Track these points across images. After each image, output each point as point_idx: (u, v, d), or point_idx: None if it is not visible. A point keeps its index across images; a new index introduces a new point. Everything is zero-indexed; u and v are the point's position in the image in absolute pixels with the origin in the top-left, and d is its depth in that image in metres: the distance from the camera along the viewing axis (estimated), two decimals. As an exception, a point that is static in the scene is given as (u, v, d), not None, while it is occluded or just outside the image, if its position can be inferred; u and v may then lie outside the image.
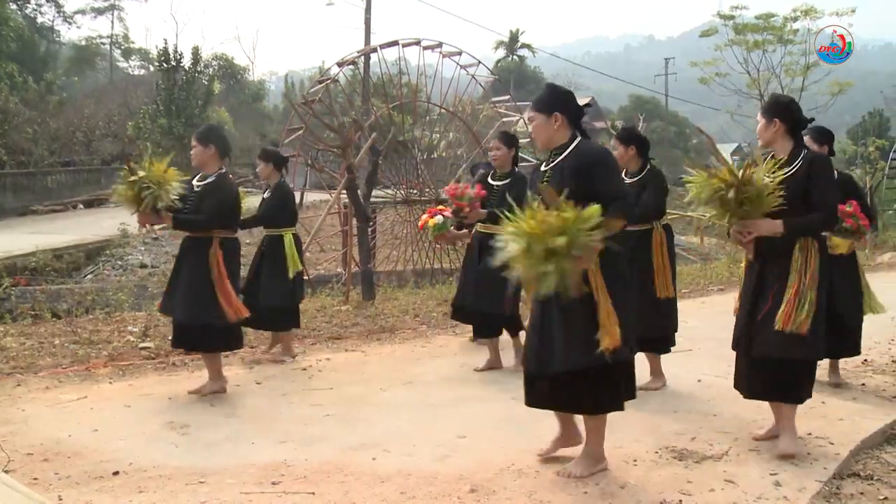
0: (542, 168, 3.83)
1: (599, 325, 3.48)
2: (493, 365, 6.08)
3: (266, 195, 6.65)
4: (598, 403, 3.66)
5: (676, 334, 5.53)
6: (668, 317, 5.40)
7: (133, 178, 5.01)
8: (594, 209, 3.31)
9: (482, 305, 5.91)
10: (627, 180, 5.26)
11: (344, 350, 7.06)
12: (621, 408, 3.71)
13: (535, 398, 3.83)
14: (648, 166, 5.41)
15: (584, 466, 3.71)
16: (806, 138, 4.93)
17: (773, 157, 4.08)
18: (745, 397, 4.24)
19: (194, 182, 5.31)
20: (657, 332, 5.25)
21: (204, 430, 4.50)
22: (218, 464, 3.91)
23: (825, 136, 5.36)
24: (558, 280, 3.26)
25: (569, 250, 3.23)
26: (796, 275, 3.92)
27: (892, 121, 45.91)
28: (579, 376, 3.56)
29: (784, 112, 4.14)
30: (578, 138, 3.77)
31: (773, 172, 3.88)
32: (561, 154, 3.74)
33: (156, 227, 5.15)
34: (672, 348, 5.50)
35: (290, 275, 6.39)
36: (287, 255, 6.38)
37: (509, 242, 3.32)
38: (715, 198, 3.88)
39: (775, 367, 3.99)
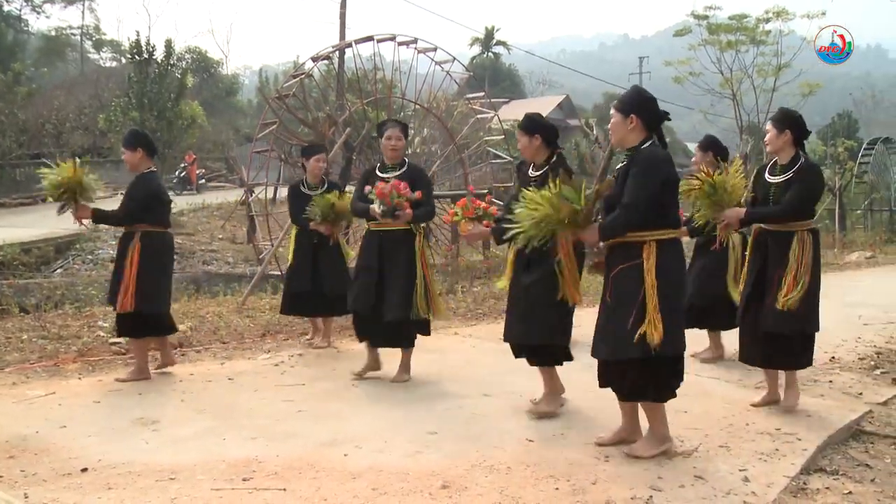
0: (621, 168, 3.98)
1: (645, 321, 3.71)
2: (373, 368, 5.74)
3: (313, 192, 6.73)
4: (641, 392, 3.92)
5: None
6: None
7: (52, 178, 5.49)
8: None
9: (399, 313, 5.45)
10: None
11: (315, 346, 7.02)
12: (669, 398, 3.95)
13: (603, 381, 4.07)
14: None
15: (647, 447, 3.92)
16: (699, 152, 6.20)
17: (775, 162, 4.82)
18: (756, 366, 5.04)
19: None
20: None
21: (174, 426, 4.46)
22: (188, 460, 3.87)
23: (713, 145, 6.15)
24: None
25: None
26: (794, 262, 4.62)
27: (861, 122, 46.61)
28: (632, 366, 3.82)
29: (794, 124, 4.78)
30: (647, 143, 3.88)
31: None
32: (629, 157, 3.89)
33: (84, 220, 5.64)
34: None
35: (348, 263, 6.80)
36: (342, 245, 6.89)
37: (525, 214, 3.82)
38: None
39: (778, 340, 4.71)
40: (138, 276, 5.47)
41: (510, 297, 4.77)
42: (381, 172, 5.56)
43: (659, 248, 3.77)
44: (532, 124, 4.69)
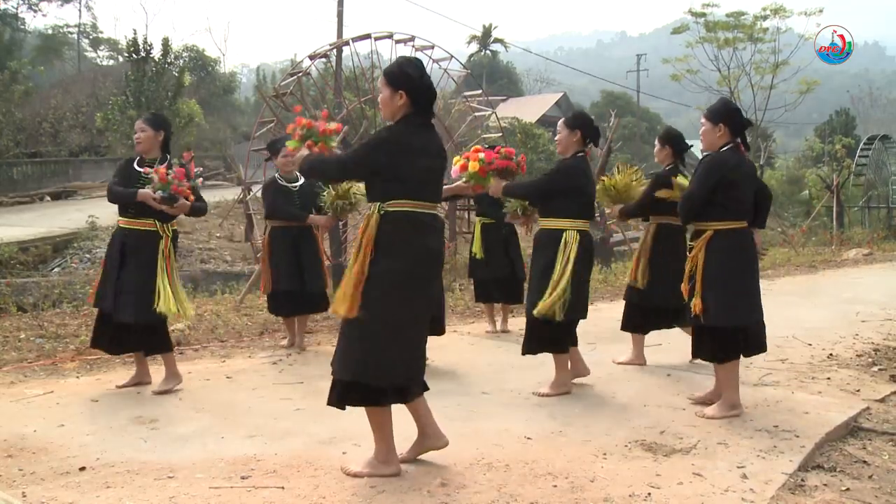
0: None
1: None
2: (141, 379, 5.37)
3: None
4: (698, 352, 4.75)
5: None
6: None
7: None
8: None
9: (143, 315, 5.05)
10: None
11: (315, 343, 7.03)
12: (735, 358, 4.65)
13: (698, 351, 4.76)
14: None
15: (720, 410, 4.60)
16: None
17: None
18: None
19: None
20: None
21: (173, 425, 4.46)
22: (187, 458, 3.87)
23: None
24: None
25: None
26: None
27: (858, 119, 46.59)
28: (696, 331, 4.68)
29: (675, 140, 5.87)
30: (726, 147, 4.54)
31: None
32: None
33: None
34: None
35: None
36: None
37: None
38: None
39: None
40: None
41: None
42: (139, 166, 5.16)
43: (714, 236, 4.48)
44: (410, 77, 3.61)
